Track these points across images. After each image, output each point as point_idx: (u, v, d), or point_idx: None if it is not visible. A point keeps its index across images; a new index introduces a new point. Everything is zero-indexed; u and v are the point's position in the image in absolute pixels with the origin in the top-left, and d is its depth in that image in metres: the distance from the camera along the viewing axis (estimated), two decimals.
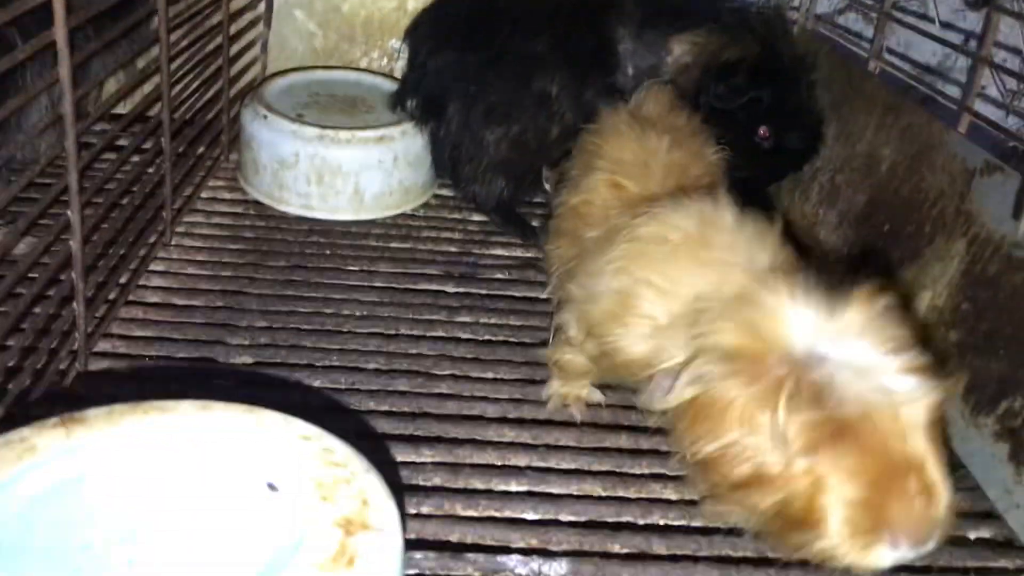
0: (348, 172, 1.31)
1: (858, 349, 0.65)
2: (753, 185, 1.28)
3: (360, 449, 0.75)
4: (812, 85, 1.32)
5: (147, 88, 1.13)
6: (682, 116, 1.06)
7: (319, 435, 0.62)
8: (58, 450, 0.59)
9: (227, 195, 1.38)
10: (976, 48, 1.07)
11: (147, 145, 1.12)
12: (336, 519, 0.55)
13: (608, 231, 0.86)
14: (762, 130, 1.28)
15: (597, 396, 1.00)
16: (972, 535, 0.88)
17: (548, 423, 0.98)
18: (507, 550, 0.81)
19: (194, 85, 1.26)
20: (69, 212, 0.83)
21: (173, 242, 1.22)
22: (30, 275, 0.80)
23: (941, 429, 0.69)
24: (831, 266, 0.83)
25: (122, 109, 1.23)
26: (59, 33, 0.75)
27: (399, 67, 1.49)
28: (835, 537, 0.66)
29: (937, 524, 0.66)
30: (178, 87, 1.19)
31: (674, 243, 0.77)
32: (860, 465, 0.64)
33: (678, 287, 0.75)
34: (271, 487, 0.58)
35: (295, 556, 0.52)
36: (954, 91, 1.48)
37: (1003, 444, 0.88)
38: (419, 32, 1.40)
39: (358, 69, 1.52)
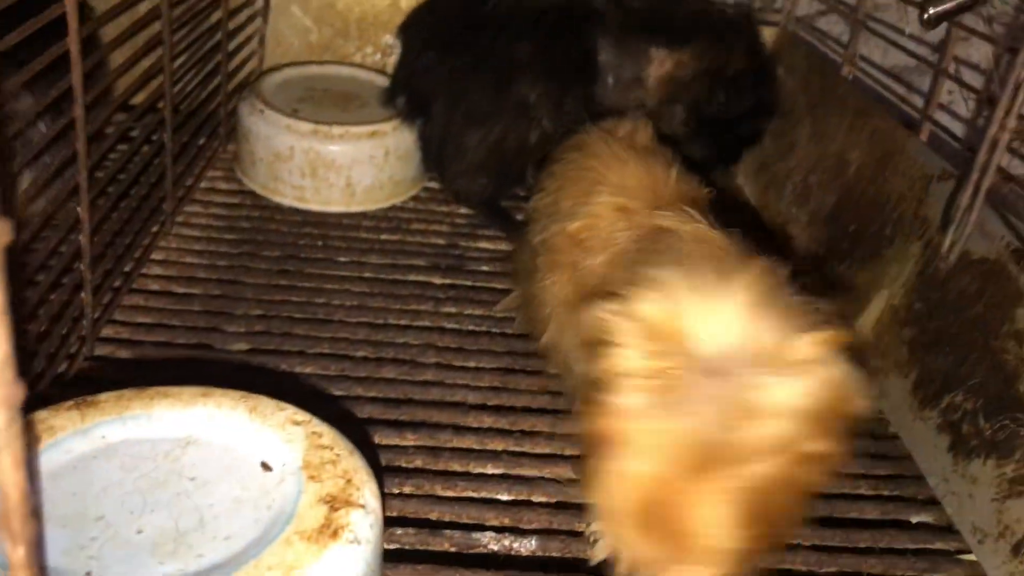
0: (341, 166, 1.37)
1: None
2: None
3: (347, 432, 0.82)
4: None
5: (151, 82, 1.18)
6: (667, 150, 1.01)
7: (308, 420, 0.69)
8: (74, 431, 0.65)
9: (224, 185, 1.44)
10: (937, 61, 1.12)
11: (150, 138, 1.18)
12: (322, 496, 0.62)
13: (614, 255, 0.83)
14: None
15: None
16: (914, 519, 0.95)
17: (525, 410, 1.04)
18: (482, 527, 0.87)
19: (195, 81, 1.31)
20: (79, 208, 0.89)
21: (173, 231, 1.28)
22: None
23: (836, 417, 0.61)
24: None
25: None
26: (73, 41, 0.81)
27: (392, 62, 1.55)
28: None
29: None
30: (179, 84, 1.24)
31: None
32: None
33: None
34: (265, 466, 0.65)
35: (286, 528, 0.59)
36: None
37: (944, 436, 0.95)
38: (410, 30, 1.46)
39: (352, 65, 1.57)
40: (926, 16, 0.96)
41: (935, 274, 1.03)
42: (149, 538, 0.58)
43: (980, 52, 1.28)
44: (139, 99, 1.11)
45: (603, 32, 1.33)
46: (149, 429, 0.67)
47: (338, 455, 0.65)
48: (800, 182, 1.39)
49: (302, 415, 0.69)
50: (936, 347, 1.00)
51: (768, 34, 1.63)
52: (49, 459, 0.63)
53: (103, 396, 0.68)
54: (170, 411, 0.68)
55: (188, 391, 0.70)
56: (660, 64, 1.31)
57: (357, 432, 0.96)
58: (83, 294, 0.94)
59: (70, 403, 0.67)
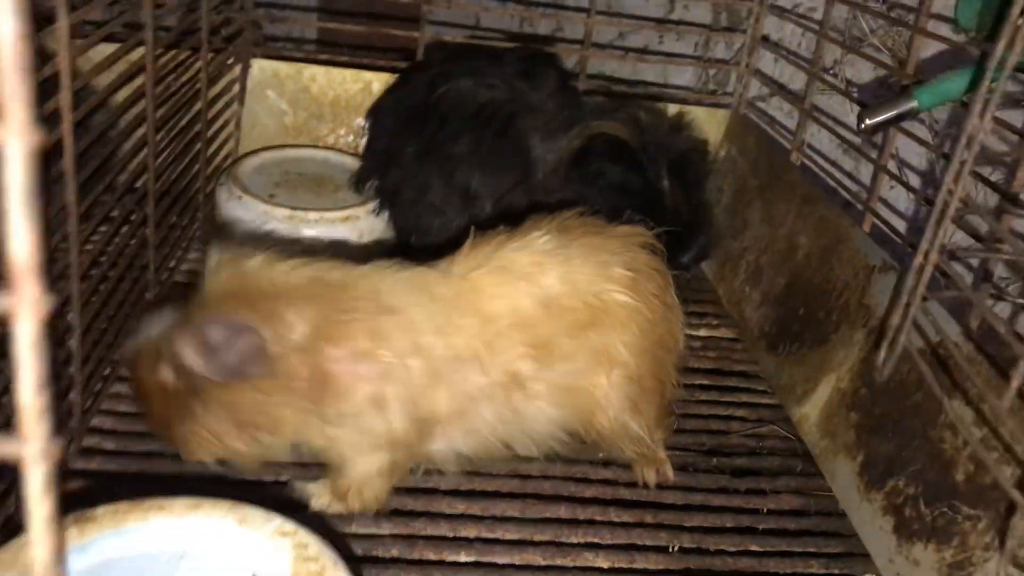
0: (316, 250, 1.42)
1: None
2: None
3: (325, 523, 0.86)
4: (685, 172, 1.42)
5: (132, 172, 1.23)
6: None
7: (295, 530, 0.73)
8: (73, 547, 0.69)
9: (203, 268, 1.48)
10: (876, 156, 1.21)
11: (132, 230, 1.22)
12: None
13: None
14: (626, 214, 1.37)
15: None
16: None
17: (495, 495, 1.09)
18: None
19: (174, 164, 1.35)
20: (70, 315, 0.93)
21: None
22: None
23: None
24: None
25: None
26: (67, 158, 0.86)
27: (364, 143, 1.61)
28: None
29: None
30: (161, 169, 1.28)
31: None
32: None
33: None
34: None
35: None
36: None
37: (889, 518, 1.02)
38: (376, 115, 1.54)
39: (326, 148, 1.63)
40: (862, 126, 1.04)
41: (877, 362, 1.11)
42: None
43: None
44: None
45: (535, 128, 1.41)
46: (145, 544, 0.71)
47: (324, 567, 0.70)
48: (753, 262, 1.47)
49: (289, 525, 0.74)
50: (880, 432, 1.07)
51: (720, 117, 1.72)
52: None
53: (100, 510, 0.73)
54: (164, 525, 0.73)
55: (180, 503, 0.75)
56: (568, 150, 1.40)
57: (334, 523, 1.01)
58: (72, 395, 0.98)
59: (69, 518, 0.71)
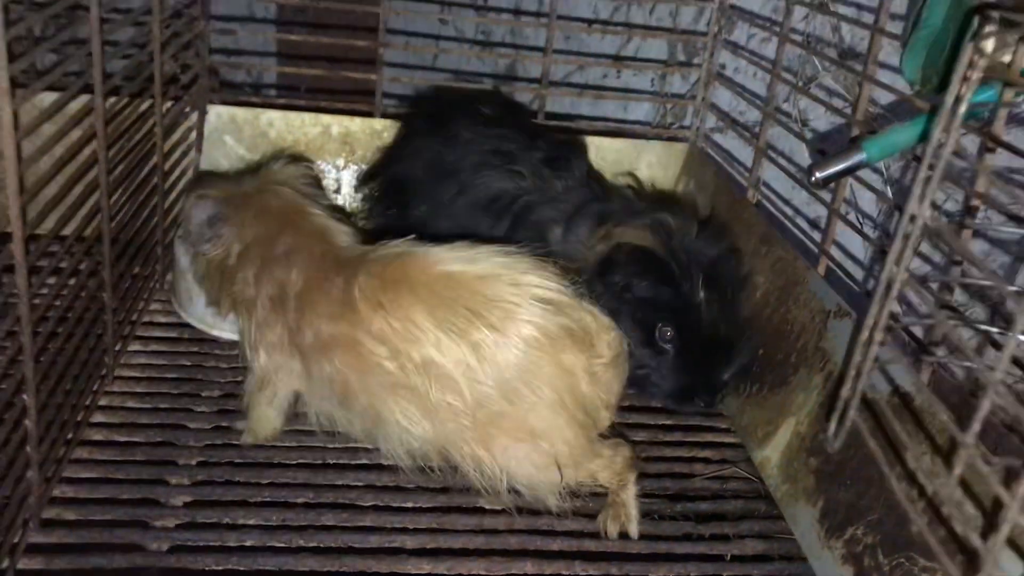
0: None
1: None
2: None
3: None
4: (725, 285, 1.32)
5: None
6: None
7: None
8: None
9: (162, 319, 1.48)
10: (830, 200, 1.22)
11: (88, 282, 1.21)
12: None
13: None
14: (659, 331, 1.29)
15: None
16: None
17: (463, 552, 1.10)
18: None
19: (134, 227, 1.35)
20: (25, 396, 0.93)
21: (115, 373, 1.31)
22: None
23: None
24: None
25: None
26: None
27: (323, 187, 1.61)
28: None
29: None
30: (116, 218, 1.26)
31: None
32: None
33: None
34: None
35: None
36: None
37: (848, 567, 1.03)
38: (386, 176, 1.57)
39: None
40: (813, 179, 1.05)
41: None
42: None
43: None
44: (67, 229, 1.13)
45: (554, 218, 1.40)
46: None
47: None
48: None
49: None
50: (838, 478, 1.09)
51: (678, 150, 1.74)
52: None
53: None
54: None
55: None
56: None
57: None
58: (29, 474, 0.97)
59: None
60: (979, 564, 0.61)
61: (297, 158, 1.42)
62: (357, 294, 1.08)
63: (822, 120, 1.54)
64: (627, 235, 1.31)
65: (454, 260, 1.06)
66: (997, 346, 0.91)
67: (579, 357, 1.05)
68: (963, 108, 0.64)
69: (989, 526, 0.66)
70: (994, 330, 0.86)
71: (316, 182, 1.35)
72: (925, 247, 1.17)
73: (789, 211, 1.53)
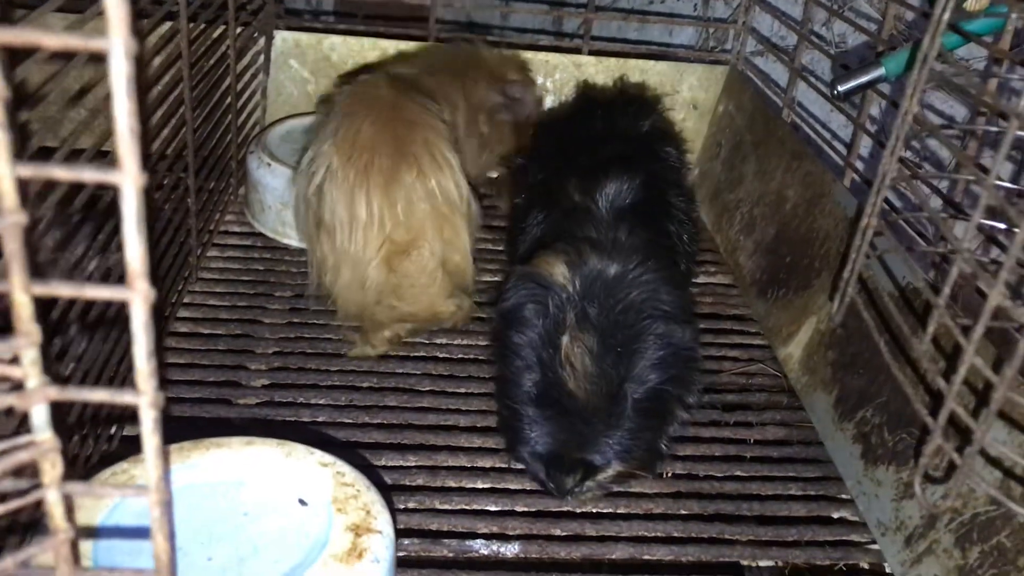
0: None
1: None
2: None
3: (358, 456, 1.00)
4: None
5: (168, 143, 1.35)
6: None
7: (333, 461, 0.87)
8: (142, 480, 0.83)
9: (237, 228, 1.61)
10: (856, 115, 1.30)
11: (175, 190, 1.35)
12: (348, 525, 0.80)
13: None
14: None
15: None
16: (835, 515, 1.14)
17: None
18: (473, 535, 1.06)
19: (211, 143, 1.48)
20: None
21: (197, 275, 1.45)
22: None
23: None
24: None
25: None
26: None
27: None
28: None
29: None
30: (197, 149, 1.40)
31: None
32: None
33: None
34: (302, 502, 0.83)
35: (322, 552, 0.77)
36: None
37: (857, 445, 1.14)
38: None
39: None
40: (835, 92, 1.14)
41: (853, 305, 1.22)
42: (218, 564, 0.77)
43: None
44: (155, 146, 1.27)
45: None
46: (208, 474, 0.85)
47: (359, 491, 0.84)
48: (747, 213, 1.57)
49: (328, 458, 0.87)
50: (852, 368, 1.19)
51: (719, 73, 1.81)
52: (134, 502, 0.81)
53: (169, 448, 0.86)
54: (223, 458, 0.86)
55: (235, 441, 0.88)
56: None
57: (367, 455, 1.15)
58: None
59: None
60: (942, 405, 0.71)
61: None
62: None
63: (857, 44, 1.60)
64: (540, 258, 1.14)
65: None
66: (997, 243, 1.00)
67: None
68: (946, 17, 0.73)
69: (950, 369, 0.76)
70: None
71: None
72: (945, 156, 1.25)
73: (825, 133, 1.61)
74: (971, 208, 1.18)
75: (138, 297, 0.44)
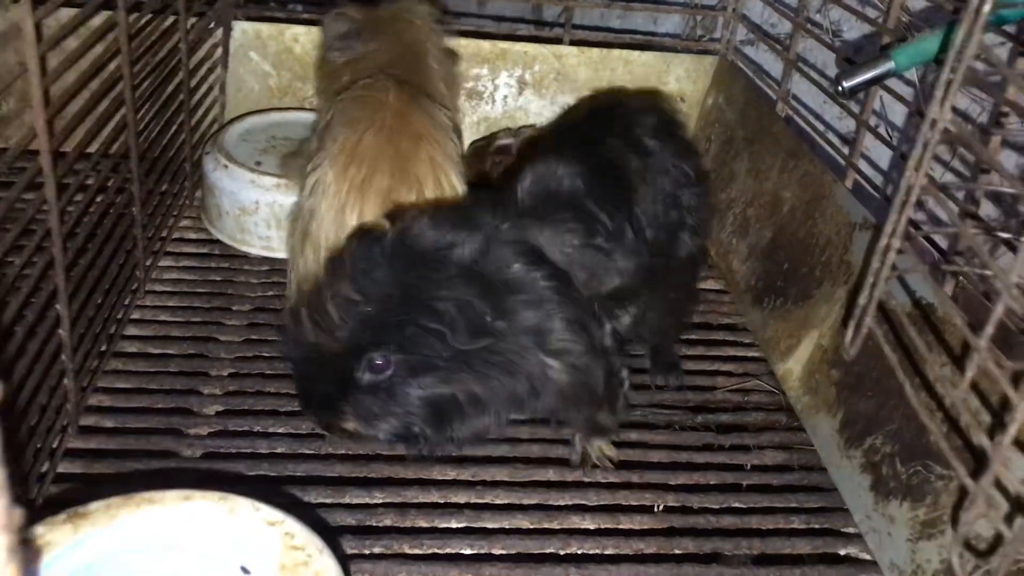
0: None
1: None
2: None
3: (318, 493, 0.90)
4: None
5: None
6: None
7: (282, 520, 0.76)
8: (68, 545, 0.72)
9: (192, 235, 1.50)
10: (859, 112, 1.20)
11: (117, 198, 1.23)
12: None
13: None
14: None
15: None
16: (842, 551, 1.04)
17: (485, 460, 1.12)
18: None
19: (158, 131, 1.35)
20: (58, 307, 0.95)
21: (147, 287, 1.34)
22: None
23: None
24: None
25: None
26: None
27: None
28: None
29: None
30: (144, 134, 1.27)
31: None
32: None
33: None
34: (244, 570, 0.73)
35: None
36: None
37: (866, 476, 1.04)
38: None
39: (311, 110, 1.63)
40: (839, 88, 1.04)
41: (870, 335, 1.12)
42: None
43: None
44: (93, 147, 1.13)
45: None
46: (137, 538, 0.74)
47: (310, 556, 0.73)
48: (740, 214, 1.47)
49: (276, 515, 0.77)
50: (859, 390, 1.09)
51: (708, 64, 1.71)
52: (50, 573, 0.70)
53: (92, 506, 0.75)
54: (156, 517, 0.75)
55: (170, 495, 0.77)
56: None
57: (329, 492, 1.04)
58: (66, 380, 1.00)
59: (63, 516, 0.74)
60: (987, 464, 0.61)
61: None
62: None
63: (855, 32, 1.50)
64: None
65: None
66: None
67: None
68: (987, 8, 0.63)
69: (1000, 427, 0.66)
70: (1007, 236, 0.85)
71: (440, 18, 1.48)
72: (957, 162, 1.15)
73: (820, 126, 1.51)
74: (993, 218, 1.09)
75: None
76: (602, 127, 1.17)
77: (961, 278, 0.91)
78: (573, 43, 1.69)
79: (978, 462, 0.71)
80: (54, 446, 1.01)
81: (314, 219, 1.17)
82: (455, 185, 1.20)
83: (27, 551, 0.70)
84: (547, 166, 1.04)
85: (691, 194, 1.17)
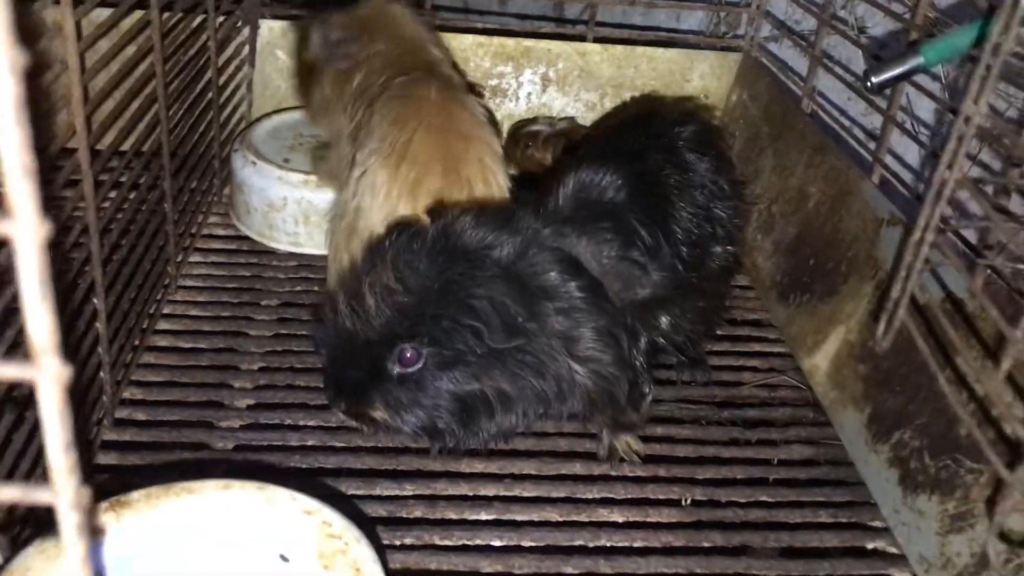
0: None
1: None
2: None
3: (350, 485, 0.91)
4: None
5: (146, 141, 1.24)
6: None
7: (319, 508, 0.77)
8: (111, 532, 0.74)
9: (221, 232, 1.51)
10: (886, 107, 1.20)
11: (149, 195, 1.24)
12: None
13: None
14: None
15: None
16: (869, 545, 1.04)
17: (513, 453, 1.13)
18: (477, 575, 0.97)
19: (191, 141, 1.37)
20: (95, 300, 0.97)
21: (177, 283, 1.35)
22: None
23: None
24: None
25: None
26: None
27: None
28: None
29: None
30: (174, 131, 1.29)
31: None
32: None
33: None
34: (283, 558, 0.74)
35: None
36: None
37: (894, 470, 1.05)
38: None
39: None
40: (868, 84, 1.04)
41: (903, 329, 1.12)
42: None
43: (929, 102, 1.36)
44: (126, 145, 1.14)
45: None
46: (178, 527, 0.75)
47: (347, 544, 0.74)
48: (764, 210, 1.47)
49: (313, 504, 0.78)
50: (887, 385, 1.09)
51: (732, 60, 1.71)
52: (93, 560, 0.72)
53: (135, 495, 0.77)
54: (195, 506, 0.77)
55: (209, 485, 0.79)
56: None
57: (359, 484, 1.06)
58: (102, 374, 1.02)
59: (106, 504, 0.76)
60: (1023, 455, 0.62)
61: None
62: None
63: (880, 27, 1.50)
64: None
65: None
66: None
67: None
68: None
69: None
70: None
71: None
72: (984, 155, 1.15)
73: (845, 122, 1.51)
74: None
75: (45, 377, 0.34)
76: (644, 138, 1.18)
77: (991, 271, 0.91)
78: (596, 40, 1.70)
79: (1013, 454, 0.71)
80: (90, 438, 1.03)
81: (363, 217, 1.18)
82: (502, 186, 1.21)
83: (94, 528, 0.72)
84: (590, 174, 1.06)
85: (725, 207, 1.18)
